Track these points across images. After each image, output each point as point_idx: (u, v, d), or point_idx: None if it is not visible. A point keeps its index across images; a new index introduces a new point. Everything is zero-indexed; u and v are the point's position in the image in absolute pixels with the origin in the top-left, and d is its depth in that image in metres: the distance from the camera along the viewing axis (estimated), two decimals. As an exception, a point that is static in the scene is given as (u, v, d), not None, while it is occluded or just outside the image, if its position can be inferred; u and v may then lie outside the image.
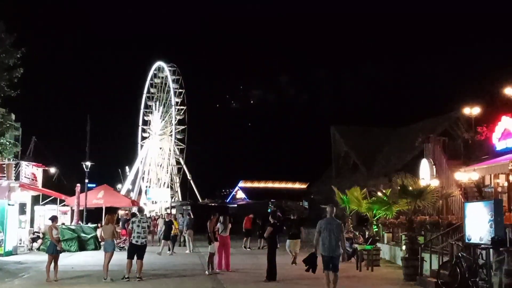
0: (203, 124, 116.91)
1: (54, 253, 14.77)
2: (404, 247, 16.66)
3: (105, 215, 23.32)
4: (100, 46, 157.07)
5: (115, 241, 16.15)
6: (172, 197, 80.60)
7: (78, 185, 30.57)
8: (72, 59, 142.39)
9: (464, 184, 18.95)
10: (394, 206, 17.95)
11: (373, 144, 34.86)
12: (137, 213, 15.79)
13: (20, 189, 25.91)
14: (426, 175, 20.92)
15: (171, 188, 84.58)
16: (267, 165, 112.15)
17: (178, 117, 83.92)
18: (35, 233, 25.67)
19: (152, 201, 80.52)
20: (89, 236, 26.08)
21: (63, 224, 26.57)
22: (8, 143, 31.42)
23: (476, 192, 18.54)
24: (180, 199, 79.48)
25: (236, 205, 72.68)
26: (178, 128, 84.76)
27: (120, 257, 16.47)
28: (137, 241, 14.82)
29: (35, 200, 29.46)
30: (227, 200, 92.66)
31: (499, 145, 17.37)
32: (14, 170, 25.95)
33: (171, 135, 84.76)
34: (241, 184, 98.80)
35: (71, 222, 29.54)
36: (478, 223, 12.50)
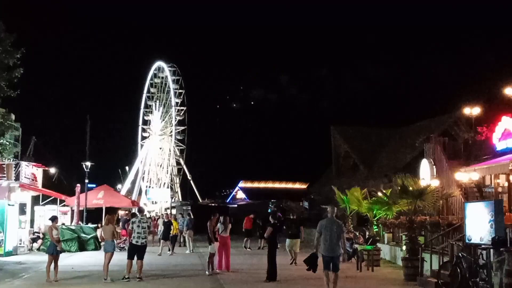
0: (203, 124, 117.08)
1: (54, 254, 14.76)
2: (404, 247, 16.65)
3: (105, 216, 23.34)
4: (100, 46, 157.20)
5: (115, 241, 16.14)
6: (172, 197, 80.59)
7: (78, 185, 30.57)
8: (72, 59, 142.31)
9: (465, 184, 18.95)
10: (395, 206, 17.95)
11: (373, 144, 34.90)
12: (137, 213, 15.78)
13: (20, 189, 25.91)
14: (426, 175, 20.92)
15: (171, 188, 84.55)
16: (267, 165, 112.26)
17: (178, 118, 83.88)
18: (35, 234, 25.66)
19: (152, 201, 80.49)
20: (89, 237, 26.08)
21: (63, 224, 26.56)
22: (8, 143, 31.47)
23: (477, 192, 18.54)
24: (180, 199, 79.48)
25: (236, 205, 72.58)
26: (178, 129, 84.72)
27: (120, 258, 16.47)
28: (137, 242, 14.81)
29: (35, 200, 29.45)
30: (227, 200, 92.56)
31: (500, 145, 17.38)
32: (14, 170, 25.94)
33: (171, 135, 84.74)
34: (241, 184, 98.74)
35: (71, 222, 29.54)
36: (478, 223, 12.49)
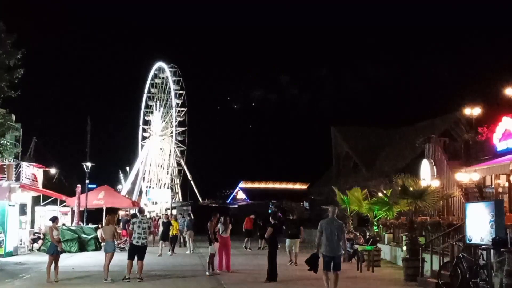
0: (204, 125, 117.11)
1: (54, 254, 14.77)
2: (404, 248, 16.64)
3: (105, 216, 23.31)
4: (100, 46, 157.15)
5: (115, 242, 16.15)
6: (172, 198, 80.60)
7: (79, 185, 30.57)
8: (72, 59, 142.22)
9: (465, 185, 18.95)
10: (395, 206, 17.95)
11: (374, 144, 34.94)
12: (138, 214, 15.78)
13: (21, 190, 25.92)
14: (426, 175, 20.93)
15: (172, 189, 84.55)
16: (267, 166, 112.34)
17: (178, 119, 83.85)
18: (36, 234, 25.67)
19: (153, 202, 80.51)
20: (89, 237, 26.08)
21: (63, 225, 26.55)
22: (8, 144, 31.35)
23: (477, 192, 18.54)
24: (181, 200, 79.49)
25: (236, 206, 72.62)
26: (178, 130, 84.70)
27: (120, 258, 16.46)
28: (137, 242, 14.81)
29: (36, 201, 29.46)
30: (228, 201, 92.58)
31: (500, 146, 17.39)
32: (15, 170, 25.95)
33: (171, 136, 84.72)
34: (242, 184, 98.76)
35: (72, 222, 29.53)
36: (479, 224, 12.49)
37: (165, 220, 25.91)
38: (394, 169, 26.54)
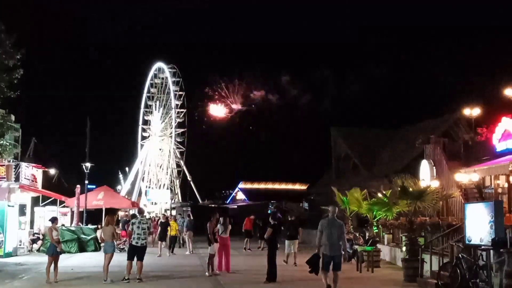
0: (203, 125, 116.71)
1: (54, 255, 14.76)
2: (404, 248, 16.64)
3: (105, 216, 23.29)
4: (100, 46, 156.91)
5: (115, 242, 16.14)
6: (172, 199, 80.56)
7: (78, 186, 30.56)
8: (72, 59, 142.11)
9: (464, 185, 18.97)
10: (394, 207, 17.94)
11: (373, 145, 34.92)
12: (137, 214, 15.77)
13: (20, 190, 25.91)
14: (426, 176, 20.94)
15: (171, 189, 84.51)
16: (267, 166, 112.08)
17: (178, 120, 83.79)
18: (35, 235, 25.63)
19: (152, 202, 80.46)
20: (89, 238, 26.07)
21: (63, 225, 26.52)
22: (8, 144, 31.38)
23: (476, 193, 18.56)
24: (180, 200, 79.44)
25: (236, 206, 72.56)
26: (177, 131, 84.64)
27: (120, 259, 16.45)
28: (137, 243, 14.81)
29: (35, 201, 29.45)
30: (227, 201, 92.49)
31: (499, 146, 17.40)
32: (14, 171, 25.92)
33: (171, 136, 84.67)
34: (241, 185, 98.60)
35: (71, 223, 29.53)
36: (478, 224, 12.49)
37: (163, 220, 25.92)
38: (394, 169, 26.52)
